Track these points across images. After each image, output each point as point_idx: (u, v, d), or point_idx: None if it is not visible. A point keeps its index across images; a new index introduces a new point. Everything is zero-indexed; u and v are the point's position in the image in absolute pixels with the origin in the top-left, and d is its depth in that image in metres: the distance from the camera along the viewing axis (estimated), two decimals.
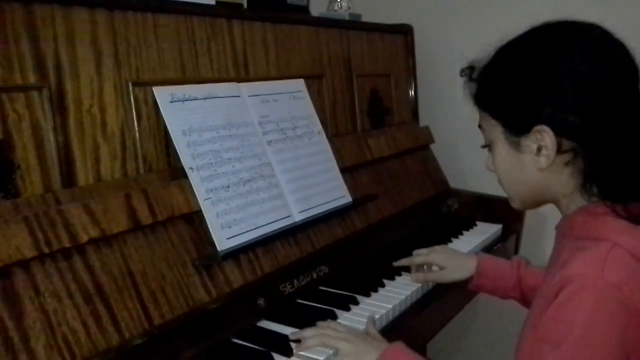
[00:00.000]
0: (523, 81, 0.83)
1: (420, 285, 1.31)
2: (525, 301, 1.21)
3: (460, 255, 1.34)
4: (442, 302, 1.34)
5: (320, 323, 1.06)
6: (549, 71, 0.80)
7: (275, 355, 1.00)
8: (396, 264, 1.37)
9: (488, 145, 0.92)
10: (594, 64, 0.79)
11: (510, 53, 0.86)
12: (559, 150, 0.81)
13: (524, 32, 0.87)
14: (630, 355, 0.74)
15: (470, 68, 0.91)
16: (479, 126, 0.93)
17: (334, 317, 1.13)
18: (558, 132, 0.80)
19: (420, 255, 1.33)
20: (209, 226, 1.09)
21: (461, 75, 0.92)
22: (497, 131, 0.88)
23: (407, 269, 1.37)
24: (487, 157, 0.94)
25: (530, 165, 0.85)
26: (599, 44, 0.81)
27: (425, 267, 1.34)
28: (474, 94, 0.90)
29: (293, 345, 1.02)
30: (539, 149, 0.82)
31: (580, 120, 0.79)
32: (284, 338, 1.05)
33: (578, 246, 0.81)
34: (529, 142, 0.83)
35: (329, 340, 1.00)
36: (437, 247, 1.37)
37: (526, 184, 0.88)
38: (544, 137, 0.81)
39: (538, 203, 0.93)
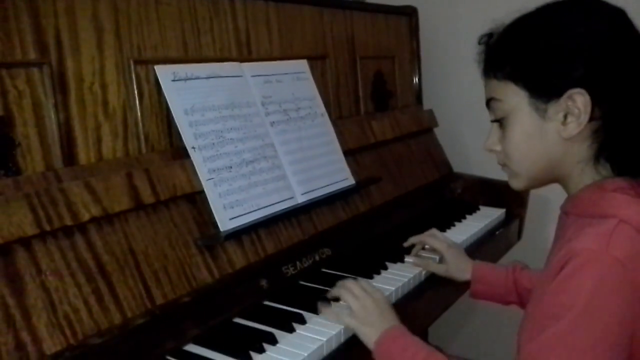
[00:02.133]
0: (557, 43, 0.80)
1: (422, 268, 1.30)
2: (524, 304, 1.19)
3: (463, 257, 1.32)
4: (444, 285, 1.33)
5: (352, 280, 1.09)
6: (582, 32, 0.79)
7: (277, 332, 1.00)
8: (409, 240, 1.38)
9: (500, 119, 0.88)
10: (621, 30, 0.79)
11: (537, 17, 0.84)
12: (591, 117, 0.79)
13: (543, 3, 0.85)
14: (635, 331, 0.73)
15: (489, 35, 0.88)
16: (490, 99, 0.89)
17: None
18: (592, 97, 0.78)
19: (433, 236, 1.35)
20: (212, 206, 1.08)
21: (479, 43, 0.89)
22: (520, 99, 0.84)
23: (409, 252, 1.37)
24: (488, 137, 0.91)
25: (553, 135, 0.83)
26: (619, 13, 0.81)
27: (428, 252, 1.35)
28: (491, 62, 0.87)
29: (295, 324, 1.02)
30: (565, 117, 0.81)
31: (616, 85, 0.77)
32: (287, 316, 1.05)
33: (584, 223, 0.80)
34: (558, 109, 0.81)
35: (347, 296, 1.03)
36: (449, 241, 1.36)
37: (543, 157, 0.85)
38: (577, 101, 0.78)
39: (545, 181, 0.90)
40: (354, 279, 1.19)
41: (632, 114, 0.79)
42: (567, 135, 0.81)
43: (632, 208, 0.77)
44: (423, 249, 1.38)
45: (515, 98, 0.85)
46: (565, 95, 0.79)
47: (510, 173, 0.91)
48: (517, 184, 0.92)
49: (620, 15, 0.81)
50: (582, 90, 0.78)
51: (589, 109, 0.78)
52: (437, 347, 0.95)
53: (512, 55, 0.85)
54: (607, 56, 0.78)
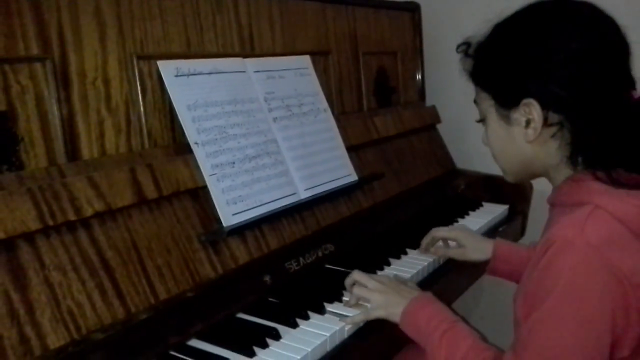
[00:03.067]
0: (513, 56, 0.85)
1: (426, 263, 1.30)
2: None
3: (479, 237, 1.36)
4: (447, 281, 1.33)
5: (354, 273, 1.10)
6: (539, 46, 0.83)
7: (280, 327, 1.00)
8: (422, 247, 1.37)
9: (482, 120, 0.95)
10: (582, 41, 0.82)
11: (503, 29, 0.89)
12: (546, 123, 0.83)
13: (519, 8, 0.89)
14: (616, 313, 0.75)
15: (466, 44, 0.93)
16: (475, 101, 0.96)
17: (340, 295, 1.12)
18: (545, 105, 0.83)
19: (443, 230, 1.36)
20: (215, 202, 1.08)
21: (457, 52, 0.95)
22: (489, 105, 0.91)
23: (413, 248, 1.37)
24: (482, 132, 0.97)
25: (519, 137, 0.88)
26: (588, 20, 0.84)
27: (442, 243, 1.36)
28: (469, 70, 0.93)
29: (298, 319, 1.02)
30: (528, 122, 0.85)
31: (567, 94, 0.81)
32: (290, 311, 1.04)
33: (564, 212, 0.83)
34: (518, 115, 0.86)
35: (360, 292, 1.06)
36: (458, 225, 1.41)
37: (517, 157, 0.91)
38: (532, 110, 0.84)
39: (530, 176, 0.97)
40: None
41: (591, 116, 0.82)
42: (528, 139, 0.86)
43: (607, 195, 0.80)
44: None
45: (485, 103, 0.92)
46: (521, 104, 0.85)
47: (500, 168, 0.98)
48: (507, 178, 0.99)
49: (586, 24, 0.83)
50: (533, 101, 0.83)
51: (541, 116, 0.83)
52: (462, 318, 0.98)
53: (480, 64, 0.91)
54: (558, 67, 0.82)
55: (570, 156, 0.85)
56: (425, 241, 1.35)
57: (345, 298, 1.12)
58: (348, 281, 1.11)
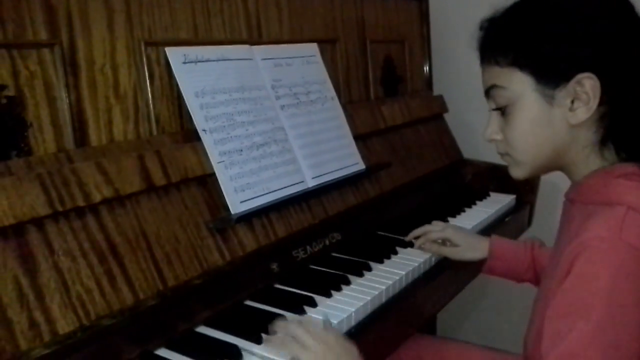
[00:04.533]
0: (561, 26, 0.78)
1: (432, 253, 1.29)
2: (539, 283, 1.19)
3: (474, 236, 1.32)
4: (454, 270, 1.33)
5: (293, 321, 0.90)
6: (590, 15, 0.78)
7: (288, 314, 1.00)
8: (410, 235, 1.33)
9: (501, 108, 0.86)
10: (630, 13, 0.78)
11: (541, 1, 0.82)
12: (602, 101, 0.77)
13: None
14: None
15: (490, 20, 0.86)
16: (490, 88, 0.87)
17: (347, 282, 1.12)
18: (603, 82, 0.76)
19: (436, 231, 1.29)
20: (223, 189, 1.08)
21: (480, 29, 0.87)
22: (526, 86, 0.82)
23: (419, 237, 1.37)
24: (488, 126, 0.89)
25: (560, 121, 0.81)
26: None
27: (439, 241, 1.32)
28: (494, 49, 0.84)
29: (306, 307, 1.02)
30: (572, 102, 0.79)
31: (627, 68, 0.76)
32: (297, 299, 1.05)
33: (590, 212, 0.78)
34: (566, 94, 0.79)
35: (294, 348, 0.84)
36: (452, 224, 1.36)
37: (548, 145, 0.84)
38: (586, 86, 0.77)
39: (549, 169, 0.89)
40: (364, 263, 1.19)
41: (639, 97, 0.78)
42: (575, 121, 0.80)
43: (638, 194, 0.76)
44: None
45: (520, 85, 0.82)
46: (573, 80, 0.78)
47: (512, 162, 0.89)
48: (519, 173, 0.90)
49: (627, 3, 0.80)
50: (592, 75, 0.76)
51: (598, 93, 0.77)
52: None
53: (515, 41, 0.82)
54: (616, 39, 0.77)
55: (603, 143, 0.80)
56: (418, 242, 1.29)
57: (352, 286, 1.11)
58: (287, 328, 0.87)
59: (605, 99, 0.78)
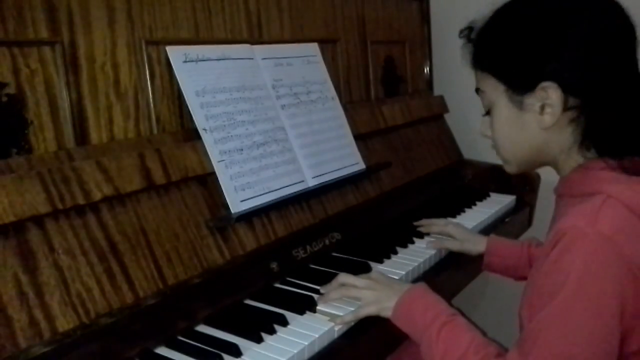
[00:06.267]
0: (529, 38, 0.82)
1: (432, 253, 1.30)
2: None
3: (474, 233, 1.37)
4: (454, 270, 1.33)
5: (340, 276, 1.06)
6: (557, 28, 0.80)
7: (288, 314, 1.00)
8: (417, 223, 1.40)
9: (488, 112, 0.91)
10: (602, 21, 0.80)
11: (515, 11, 0.86)
12: (565, 108, 0.81)
13: None
14: (625, 307, 0.74)
15: (470, 29, 0.90)
16: (477, 90, 0.92)
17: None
18: (564, 89, 0.80)
19: (438, 225, 1.37)
20: (223, 188, 1.08)
21: (460, 37, 0.92)
22: (498, 91, 0.87)
23: (419, 236, 1.37)
24: (481, 123, 0.94)
25: (532, 124, 0.85)
26: (603, 4, 0.81)
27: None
28: (473, 55, 0.90)
29: (304, 306, 1.02)
30: (542, 108, 0.82)
31: (587, 77, 0.79)
32: (297, 299, 1.05)
33: (574, 203, 0.81)
34: (533, 101, 0.83)
35: (348, 291, 1.02)
36: (453, 220, 1.41)
37: (526, 145, 0.88)
38: (550, 94, 0.81)
39: (535, 165, 0.94)
40: (364, 263, 1.19)
41: (608, 101, 0.80)
42: (544, 126, 0.84)
43: (619, 184, 0.78)
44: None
45: (494, 90, 0.88)
46: (538, 88, 0.81)
47: (501, 158, 0.95)
48: (509, 169, 0.95)
49: (602, 8, 0.81)
50: (553, 84, 0.80)
51: (561, 101, 0.80)
52: (459, 310, 0.95)
53: (488, 49, 0.88)
54: (578, 49, 0.79)
55: (582, 142, 0.83)
56: (424, 230, 1.38)
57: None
58: (333, 285, 1.05)
59: (576, 102, 0.80)
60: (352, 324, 1.00)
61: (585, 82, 0.80)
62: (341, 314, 0.99)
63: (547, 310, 0.75)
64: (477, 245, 1.30)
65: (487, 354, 0.84)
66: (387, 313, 0.97)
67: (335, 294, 1.03)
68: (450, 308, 0.94)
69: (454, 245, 1.32)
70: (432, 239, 1.34)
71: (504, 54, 0.85)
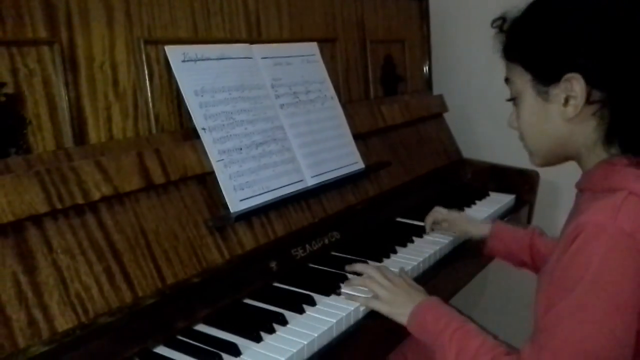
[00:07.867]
0: (556, 30, 0.82)
1: (432, 251, 1.30)
2: (537, 269, 1.21)
3: (477, 219, 1.42)
4: (453, 270, 1.34)
5: (370, 265, 1.13)
6: (583, 21, 0.80)
7: (287, 313, 1.00)
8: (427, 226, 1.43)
9: (513, 99, 0.92)
10: (626, 16, 0.79)
11: (544, 4, 0.86)
12: (588, 100, 0.81)
13: None
14: None
15: (502, 19, 0.91)
16: (506, 79, 0.93)
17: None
18: (589, 82, 0.80)
19: (442, 213, 1.40)
20: (222, 188, 1.08)
21: (492, 27, 0.92)
22: (525, 81, 0.88)
23: (418, 235, 1.38)
24: (510, 114, 0.95)
25: (556, 116, 0.86)
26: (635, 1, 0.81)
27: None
28: (504, 45, 0.90)
29: (305, 306, 1.02)
30: (567, 100, 0.83)
31: (612, 72, 0.79)
32: (297, 298, 1.05)
33: (595, 197, 0.81)
34: (558, 92, 0.84)
35: (371, 284, 1.06)
36: (455, 211, 1.43)
37: (551, 136, 0.89)
38: (574, 85, 0.81)
39: (559, 158, 0.93)
40: (364, 261, 1.19)
41: (633, 97, 0.80)
42: (566, 117, 0.84)
43: None
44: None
45: (521, 79, 0.89)
46: (563, 79, 0.82)
47: (527, 150, 0.95)
48: (534, 161, 0.95)
49: (631, 1, 0.81)
50: (577, 75, 0.80)
51: (584, 93, 0.81)
52: (469, 317, 0.97)
53: (518, 39, 0.88)
54: (605, 43, 0.79)
55: (607, 137, 0.83)
56: (428, 222, 1.40)
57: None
58: (361, 269, 1.12)
59: (601, 96, 0.81)
60: (353, 322, 1.01)
61: (609, 77, 0.80)
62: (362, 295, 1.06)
63: (564, 303, 0.76)
64: (480, 229, 1.34)
65: (497, 353, 0.85)
66: (399, 319, 1.01)
67: (358, 281, 1.09)
68: (461, 316, 0.96)
69: (459, 231, 1.36)
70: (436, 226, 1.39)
71: (533, 44, 0.86)
